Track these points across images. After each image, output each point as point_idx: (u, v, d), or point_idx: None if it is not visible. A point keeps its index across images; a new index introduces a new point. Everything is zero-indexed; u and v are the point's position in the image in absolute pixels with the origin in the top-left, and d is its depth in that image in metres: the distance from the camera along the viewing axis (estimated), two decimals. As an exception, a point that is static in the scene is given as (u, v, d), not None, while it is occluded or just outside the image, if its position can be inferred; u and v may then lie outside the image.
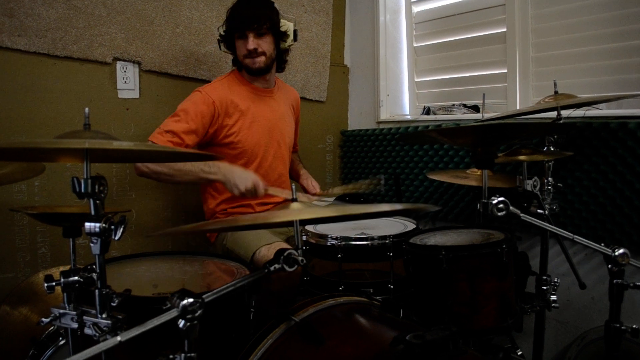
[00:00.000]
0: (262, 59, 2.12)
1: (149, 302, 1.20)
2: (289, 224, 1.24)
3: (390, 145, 2.78)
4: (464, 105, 2.63)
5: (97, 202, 0.99)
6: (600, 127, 1.90)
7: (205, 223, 1.59)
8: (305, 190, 2.38)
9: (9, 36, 1.99)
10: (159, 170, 1.95)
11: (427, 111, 2.83)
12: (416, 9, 2.93)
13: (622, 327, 1.35)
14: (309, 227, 1.96)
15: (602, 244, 1.35)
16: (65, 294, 1.02)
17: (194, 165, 1.95)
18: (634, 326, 1.35)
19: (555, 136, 1.76)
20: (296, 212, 1.14)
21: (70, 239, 1.20)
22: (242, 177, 1.89)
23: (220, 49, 2.21)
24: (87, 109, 1.07)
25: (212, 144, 2.15)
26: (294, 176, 2.50)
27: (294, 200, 1.24)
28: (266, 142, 2.23)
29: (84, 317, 1.00)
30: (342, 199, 2.77)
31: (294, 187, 1.41)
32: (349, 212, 1.32)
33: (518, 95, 2.42)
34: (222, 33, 2.18)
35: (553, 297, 1.73)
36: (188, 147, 1.99)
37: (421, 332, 1.00)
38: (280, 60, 2.28)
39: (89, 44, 2.17)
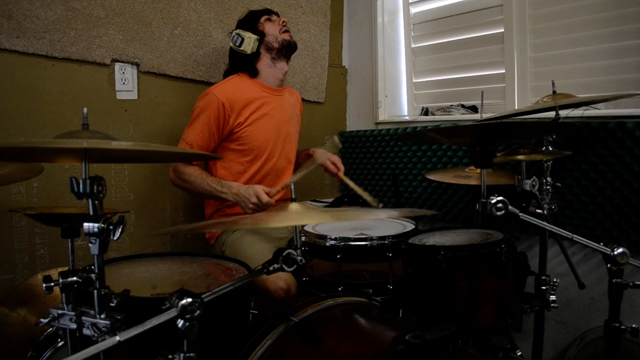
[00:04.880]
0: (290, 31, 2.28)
1: (148, 303, 1.20)
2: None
3: (388, 146, 2.78)
4: (463, 106, 2.64)
5: (96, 202, 0.99)
6: (599, 127, 1.90)
7: (206, 223, 1.59)
8: (326, 171, 2.24)
9: (7, 38, 1.99)
10: (180, 176, 2.07)
11: (426, 112, 2.83)
12: (414, 10, 2.93)
13: (622, 327, 1.35)
14: (308, 228, 1.96)
15: (601, 244, 1.35)
16: (63, 295, 1.01)
17: (209, 184, 2.01)
18: (634, 325, 1.35)
19: (554, 136, 1.76)
20: (295, 216, 1.14)
21: (69, 240, 1.19)
22: (247, 194, 1.93)
23: (240, 46, 2.20)
24: (85, 109, 1.08)
25: (223, 140, 2.19)
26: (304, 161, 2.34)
27: (293, 200, 1.24)
28: (274, 140, 2.25)
29: (83, 318, 1.00)
30: (340, 200, 2.78)
31: (292, 187, 1.41)
32: (346, 218, 1.32)
33: (516, 95, 2.42)
34: (241, 32, 2.21)
35: (552, 297, 1.73)
36: (208, 150, 2.10)
37: (420, 332, 1.00)
38: None
39: (87, 45, 2.17)
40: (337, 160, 2.22)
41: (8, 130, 2.03)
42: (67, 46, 2.12)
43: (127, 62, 2.30)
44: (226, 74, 2.32)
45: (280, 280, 1.78)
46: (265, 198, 1.83)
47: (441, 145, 2.48)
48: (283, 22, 2.26)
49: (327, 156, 2.22)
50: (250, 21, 2.25)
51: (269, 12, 2.29)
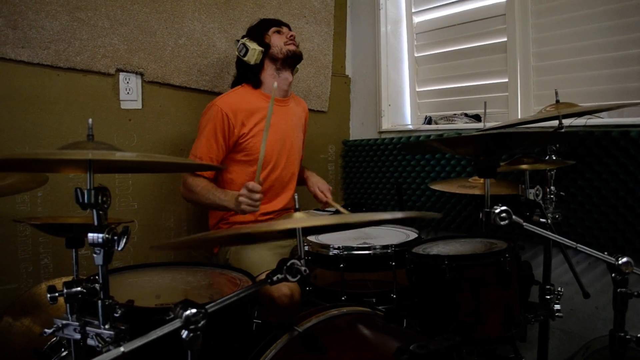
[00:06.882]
0: (298, 46, 2.27)
1: (152, 313, 1.20)
2: (292, 232, 1.24)
3: (392, 155, 2.78)
4: (466, 115, 2.64)
5: (100, 212, 0.99)
6: (602, 136, 1.90)
7: (209, 233, 1.59)
8: (316, 198, 2.36)
9: (12, 48, 2.00)
10: (188, 188, 2.10)
11: (429, 121, 2.83)
12: (417, 19, 2.95)
13: (627, 336, 1.35)
14: (311, 237, 1.96)
15: (605, 253, 1.34)
16: (68, 305, 1.01)
17: (214, 194, 2.02)
18: (639, 335, 1.34)
19: (557, 145, 1.76)
20: (299, 220, 1.14)
21: (73, 250, 1.19)
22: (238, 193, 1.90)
23: (244, 56, 2.22)
24: (90, 120, 1.08)
25: (230, 151, 2.19)
26: (300, 182, 2.49)
27: (297, 210, 1.24)
28: (278, 151, 2.25)
29: (87, 328, 1.00)
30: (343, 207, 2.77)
31: (296, 197, 1.41)
32: (351, 221, 1.32)
33: (519, 104, 2.42)
34: (247, 42, 2.22)
35: (557, 307, 1.72)
36: (217, 162, 2.14)
37: (425, 342, 1.00)
38: None
39: (92, 55, 2.19)
40: (325, 188, 2.34)
41: (13, 139, 2.04)
42: (72, 56, 2.14)
43: (132, 71, 2.31)
44: (234, 84, 2.33)
45: (284, 286, 1.78)
46: (251, 184, 1.79)
47: (445, 154, 2.48)
48: (291, 36, 2.26)
49: (317, 184, 2.36)
50: (259, 31, 2.25)
51: (279, 23, 2.29)
